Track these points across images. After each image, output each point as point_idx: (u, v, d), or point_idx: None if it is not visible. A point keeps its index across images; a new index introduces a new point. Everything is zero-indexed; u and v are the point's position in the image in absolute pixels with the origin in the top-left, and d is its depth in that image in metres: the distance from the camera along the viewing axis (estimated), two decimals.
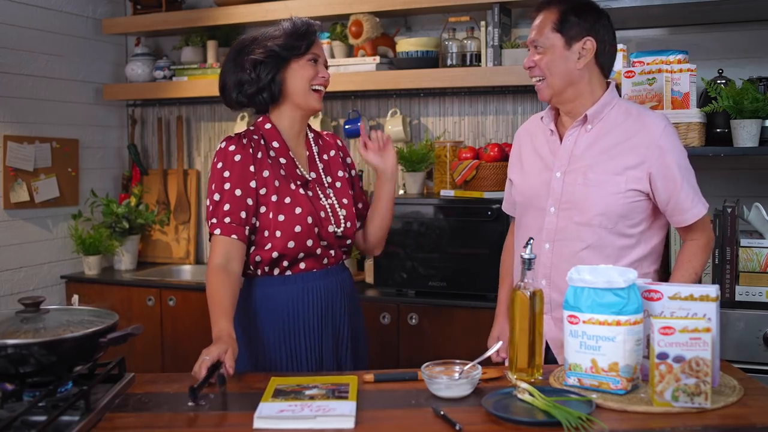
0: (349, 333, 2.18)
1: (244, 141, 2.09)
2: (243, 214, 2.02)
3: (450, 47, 3.32)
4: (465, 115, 3.56)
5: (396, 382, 1.77)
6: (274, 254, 2.05)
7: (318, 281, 2.11)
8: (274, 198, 2.05)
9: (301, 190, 2.09)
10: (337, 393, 1.63)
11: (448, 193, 3.19)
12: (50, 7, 3.72)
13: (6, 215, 3.50)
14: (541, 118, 2.15)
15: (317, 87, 2.11)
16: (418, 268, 3.06)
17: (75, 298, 2.17)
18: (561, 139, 2.09)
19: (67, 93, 3.83)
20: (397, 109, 3.58)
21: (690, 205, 2.01)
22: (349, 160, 2.30)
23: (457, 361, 1.74)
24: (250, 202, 2.04)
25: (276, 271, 2.09)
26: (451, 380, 1.65)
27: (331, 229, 2.11)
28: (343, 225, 2.14)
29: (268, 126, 2.13)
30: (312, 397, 1.60)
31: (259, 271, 2.10)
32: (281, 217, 2.04)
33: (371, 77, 3.40)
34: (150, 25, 3.85)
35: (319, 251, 2.09)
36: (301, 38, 2.08)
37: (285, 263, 2.07)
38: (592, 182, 2.00)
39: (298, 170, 2.13)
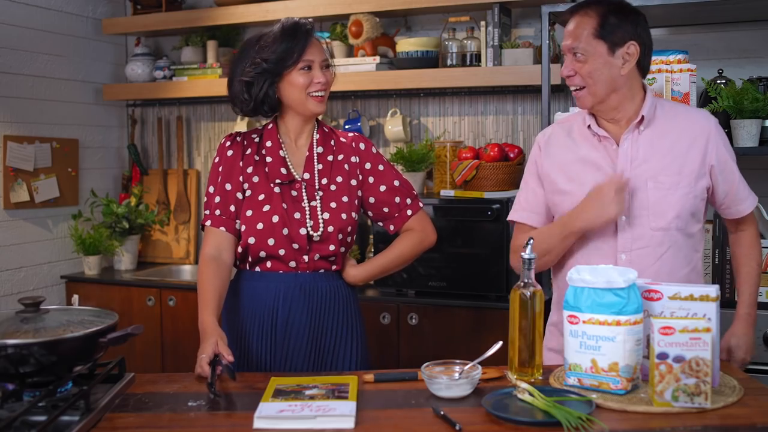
0: (313, 345, 2.09)
1: (238, 139, 2.16)
2: (232, 208, 2.09)
3: (450, 47, 3.32)
4: (465, 115, 3.56)
5: (396, 382, 1.76)
6: (239, 249, 2.10)
7: (280, 283, 2.07)
8: (248, 193, 2.10)
9: (277, 189, 2.08)
10: (337, 393, 1.63)
11: (448, 193, 3.19)
12: (50, 7, 3.72)
13: (6, 215, 3.50)
14: (589, 126, 2.01)
15: (314, 93, 2.07)
16: (418, 268, 3.05)
17: (75, 298, 2.16)
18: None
19: (67, 93, 3.82)
20: (397, 109, 3.58)
21: (746, 194, 2.05)
22: (368, 166, 2.17)
23: (457, 361, 1.74)
24: (239, 196, 2.10)
25: (247, 266, 2.13)
26: (451, 380, 1.65)
27: (303, 231, 2.05)
28: (321, 228, 2.06)
29: (270, 126, 2.18)
30: (312, 397, 1.60)
31: (238, 264, 2.17)
32: (249, 213, 2.08)
33: (371, 77, 3.40)
34: (150, 25, 3.85)
35: (282, 252, 2.06)
36: (290, 46, 2.02)
37: (251, 258, 2.10)
38: (664, 185, 1.95)
39: (283, 169, 2.10)
